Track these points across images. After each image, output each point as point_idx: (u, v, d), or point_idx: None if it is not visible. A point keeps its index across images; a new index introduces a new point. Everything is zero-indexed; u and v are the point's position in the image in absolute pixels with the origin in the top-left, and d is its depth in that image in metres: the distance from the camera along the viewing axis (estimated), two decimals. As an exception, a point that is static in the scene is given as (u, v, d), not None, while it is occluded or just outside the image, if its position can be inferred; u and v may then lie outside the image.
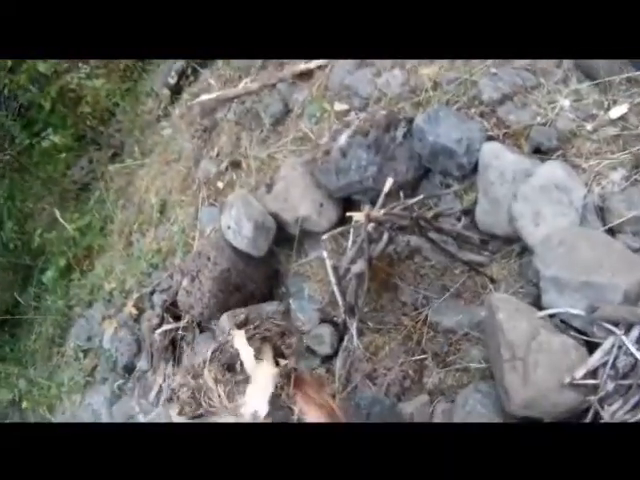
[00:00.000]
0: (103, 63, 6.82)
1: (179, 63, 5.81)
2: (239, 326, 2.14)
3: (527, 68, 3.04)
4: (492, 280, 2.75)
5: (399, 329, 2.95)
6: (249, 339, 2.08)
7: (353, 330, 2.87)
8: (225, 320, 3.15)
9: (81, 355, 4.98)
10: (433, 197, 3.00)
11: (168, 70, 5.92)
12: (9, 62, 5.17)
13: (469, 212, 2.91)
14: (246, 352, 2.06)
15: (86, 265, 5.44)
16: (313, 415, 1.96)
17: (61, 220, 5.56)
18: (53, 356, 5.37)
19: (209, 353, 2.10)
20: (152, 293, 4.38)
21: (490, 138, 2.91)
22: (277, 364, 2.11)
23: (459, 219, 2.90)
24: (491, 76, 3.07)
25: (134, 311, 4.44)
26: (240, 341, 2.09)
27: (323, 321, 3.28)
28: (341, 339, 3.17)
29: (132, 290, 4.61)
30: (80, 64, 6.16)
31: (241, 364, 2.05)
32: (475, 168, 2.88)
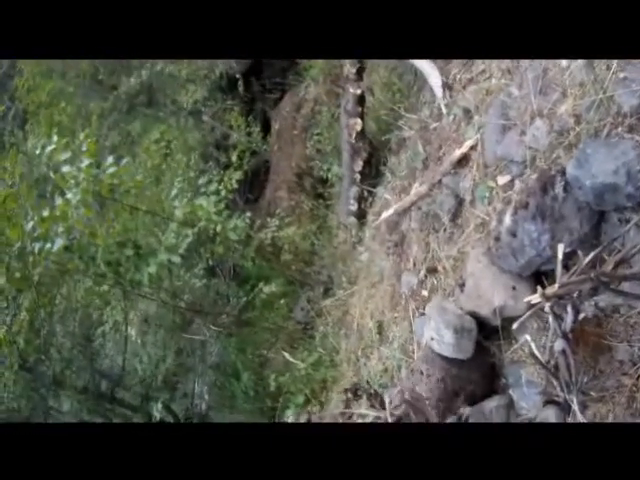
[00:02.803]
0: (291, 211, 7.79)
1: (354, 189, 6.40)
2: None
3: None
4: None
5: (621, 391, 2.91)
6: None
7: (575, 406, 2.86)
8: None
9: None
10: (615, 240, 2.97)
11: (346, 199, 6.59)
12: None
13: (658, 240, 2.84)
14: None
15: (324, 396, 5.92)
16: None
17: (293, 360, 6.16)
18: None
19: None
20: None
21: (649, 150, 2.86)
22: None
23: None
24: (622, 82, 3.05)
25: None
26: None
27: (547, 402, 3.26)
28: (564, 419, 3.13)
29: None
30: (268, 219, 7.08)
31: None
32: (646, 191, 2.85)
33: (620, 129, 3.01)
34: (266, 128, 8.84)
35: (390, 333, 5.04)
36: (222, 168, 8.17)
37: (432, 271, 4.67)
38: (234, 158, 8.09)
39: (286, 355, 6.26)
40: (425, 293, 4.68)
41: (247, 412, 6.86)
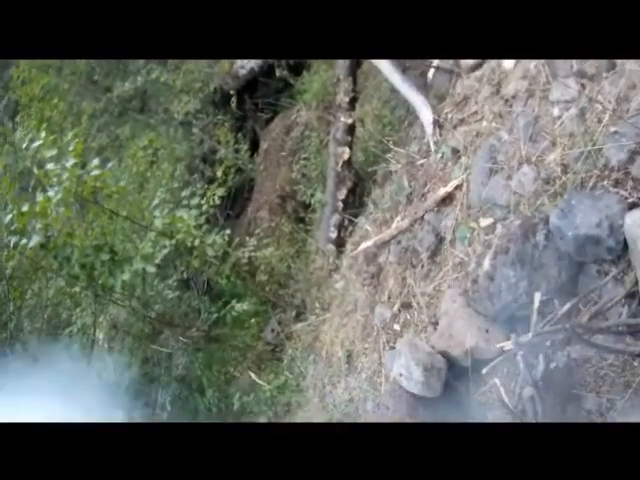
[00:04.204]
0: (271, 233, 7.76)
1: (336, 217, 6.40)
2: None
3: None
4: None
5: None
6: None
7: None
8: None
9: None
10: (592, 292, 2.97)
11: (327, 226, 6.59)
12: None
13: (634, 294, 2.84)
14: None
15: (287, 420, 5.84)
16: None
17: (258, 381, 6.09)
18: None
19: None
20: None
21: (633, 205, 2.88)
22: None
23: (624, 305, 2.82)
24: (612, 136, 3.07)
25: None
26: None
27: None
28: None
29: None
30: (247, 238, 7.02)
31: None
32: (626, 245, 2.84)
33: (606, 182, 3.03)
34: (254, 147, 8.83)
35: (359, 364, 5.00)
36: (207, 182, 8.13)
37: (406, 306, 4.65)
38: (219, 173, 8.06)
39: (252, 375, 6.19)
40: (397, 327, 4.66)
41: None
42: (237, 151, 8.53)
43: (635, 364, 2.75)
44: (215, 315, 6.76)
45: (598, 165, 3.10)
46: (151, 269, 5.05)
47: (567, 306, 2.69)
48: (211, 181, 8.12)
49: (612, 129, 3.09)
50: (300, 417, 5.65)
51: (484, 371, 3.08)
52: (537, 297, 2.83)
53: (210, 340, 6.61)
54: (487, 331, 3.40)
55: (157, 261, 5.08)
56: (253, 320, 7.04)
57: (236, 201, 8.63)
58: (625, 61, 3.22)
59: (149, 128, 8.53)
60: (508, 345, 2.68)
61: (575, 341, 2.74)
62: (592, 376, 2.87)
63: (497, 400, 3.13)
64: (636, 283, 2.81)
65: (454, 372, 3.64)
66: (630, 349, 2.71)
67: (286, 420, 5.83)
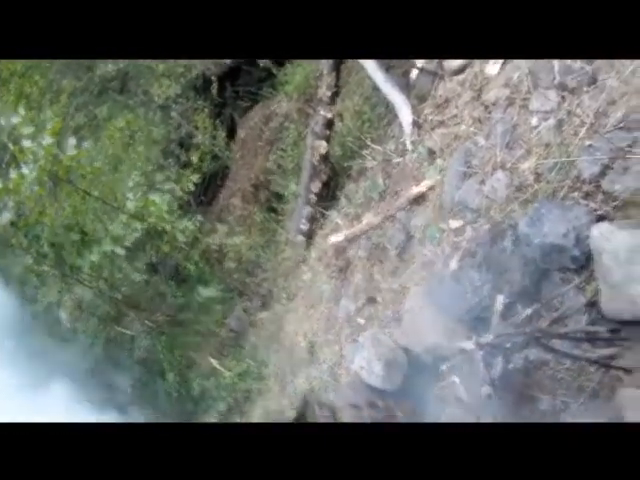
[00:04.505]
0: (242, 221, 7.73)
1: (308, 209, 6.41)
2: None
3: (619, 127, 3.07)
4: (627, 371, 2.73)
5: None
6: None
7: None
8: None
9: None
10: (554, 298, 3.05)
11: (299, 217, 6.58)
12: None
13: (594, 303, 2.94)
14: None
15: (247, 407, 5.85)
16: None
17: (219, 368, 6.10)
18: None
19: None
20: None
21: (600, 217, 2.98)
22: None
23: (585, 313, 2.92)
24: (586, 149, 3.15)
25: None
26: None
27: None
28: None
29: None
30: (218, 224, 7.00)
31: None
32: (590, 256, 2.94)
33: (577, 194, 3.12)
34: (232, 134, 8.76)
35: (321, 355, 5.07)
36: (181, 166, 8.07)
37: (371, 301, 4.73)
38: (195, 159, 8.00)
39: (213, 362, 6.19)
40: (361, 321, 4.73)
41: (167, 412, 6.74)
42: (214, 137, 8.45)
43: (591, 370, 2.85)
44: (181, 300, 6.76)
45: (570, 176, 3.18)
46: (120, 251, 5.02)
47: (529, 311, 2.77)
48: (185, 166, 8.06)
49: (587, 143, 3.17)
50: (260, 405, 5.70)
51: (443, 368, 3.15)
52: (499, 300, 2.91)
53: (174, 324, 6.60)
54: (449, 330, 3.48)
55: (127, 244, 5.05)
56: (218, 307, 7.05)
57: (209, 187, 8.54)
58: (606, 77, 3.30)
59: (127, 109, 8.41)
60: (469, 345, 2.75)
61: (534, 344, 2.82)
62: (548, 379, 2.97)
63: (455, 397, 3.21)
64: (597, 293, 2.91)
65: (414, 368, 3.73)
66: (587, 355, 2.81)
67: (245, 407, 5.87)
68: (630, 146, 2.98)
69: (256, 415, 5.62)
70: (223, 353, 6.67)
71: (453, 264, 3.51)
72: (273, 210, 7.71)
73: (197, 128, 8.53)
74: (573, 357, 2.81)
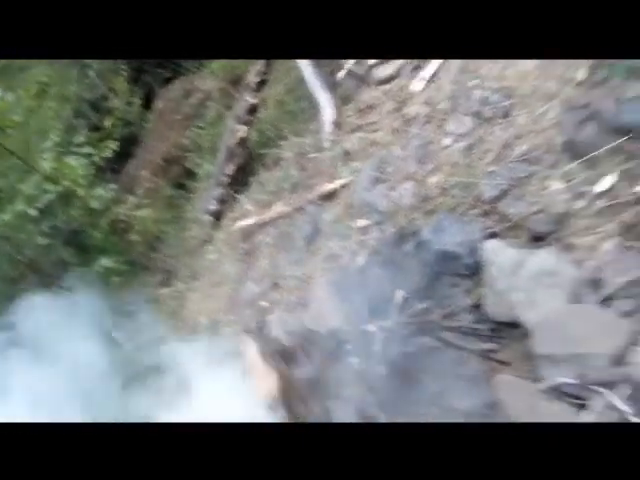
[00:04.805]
0: (149, 193, 7.65)
1: (219, 190, 6.49)
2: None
3: (522, 160, 3.47)
4: (502, 363, 3.13)
5: (425, 417, 3.25)
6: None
7: None
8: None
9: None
10: (445, 298, 3.44)
11: (209, 197, 6.67)
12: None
13: (479, 306, 3.34)
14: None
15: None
16: None
17: (117, 340, 6.05)
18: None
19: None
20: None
21: (493, 234, 3.38)
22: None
23: (470, 312, 3.33)
24: (490, 174, 3.53)
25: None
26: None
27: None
28: None
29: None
30: (128, 195, 6.93)
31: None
32: (480, 266, 3.35)
33: (476, 211, 3.48)
34: (148, 104, 8.64)
35: (223, 334, 5.18)
36: (90, 129, 7.87)
37: (276, 286, 4.91)
38: (107, 123, 7.84)
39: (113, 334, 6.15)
40: (265, 304, 4.91)
41: None
42: (129, 104, 8.31)
43: (472, 360, 3.23)
44: (81, 268, 6.66)
45: (472, 195, 3.54)
46: (33, 212, 4.92)
47: (424, 305, 3.11)
48: (95, 129, 7.88)
49: (491, 168, 3.54)
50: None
51: (344, 349, 3.44)
52: (399, 294, 3.23)
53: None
54: (351, 317, 3.76)
55: (40, 205, 4.95)
56: (117, 279, 6.99)
57: (122, 156, 8.41)
58: (519, 114, 3.67)
59: (43, 62, 8.07)
60: (372, 327, 3.06)
61: (426, 333, 3.18)
62: (435, 365, 3.31)
63: (353, 377, 3.52)
64: (482, 297, 3.32)
65: (317, 349, 3.95)
66: (469, 347, 3.21)
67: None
68: (528, 178, 3.38)
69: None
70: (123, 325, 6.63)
71: (361, 258, 3.81)
72: (182, 187, 7.72)
73: (113, 91, 8.34)
74: (458, 347, 3.20)
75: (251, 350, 4.00)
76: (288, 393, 3.33)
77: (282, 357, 3.97)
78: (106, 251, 6.80)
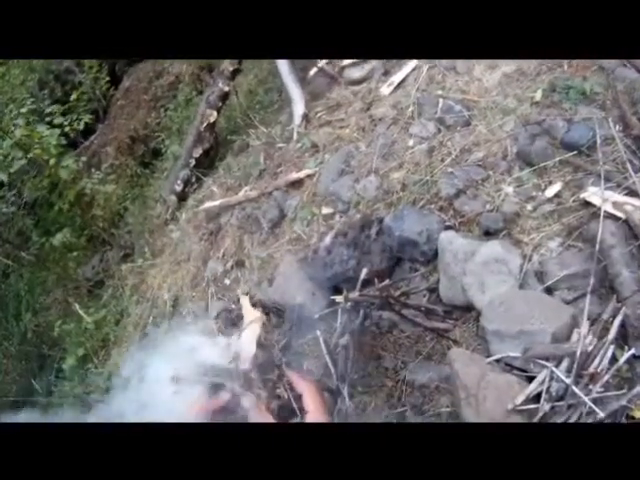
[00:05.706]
0: (113, 169, 7.75)
1: (185, 172, 6.70)
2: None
3: (478, 164, 3.91)
4: (455, 342, 3.49)
5: (383, 389, 3.67)
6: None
7: (345, 393, 3.51)
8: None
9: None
10: (403, 280, 3.85)
11: (174, 178, 6.88)
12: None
13: (434, 289, 3.73)
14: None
15: (102, 355, 6.11)
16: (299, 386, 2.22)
17: (80, 312, 6.29)
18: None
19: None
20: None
21: (448, 227, 3.77)
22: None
23: (425, 295, 3.73)
24: (448, 175, 3.94)
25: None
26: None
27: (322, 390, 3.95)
28: (335, 402, 3.85)
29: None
30: (94, 170, 7.02)
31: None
32: (436, 253, 3.73)
33: (433, 206, 3.89)
34: (115, 81, 8.72)
35: (185, 309, 5.43)
36: (53, 102, 7.93)
37: (239, 265, 5.14)
38: (73, 97, 7.90)
39: (75, 306, 6.26)
40: (227, 282, 5.16)
41: (20, 355, 6.68)
42: (96, 80, 8.40)
43: (427, 339, 3.61)
44: (41, 240, 6.73)
45: (431, 192, 3.95)
46: (3, 177, 5.02)
47: (384, 283, 3.40)
48: (57, 101, 7.93)
49: (450, 170, 3.95)
50: (115, 352, 5.93)
51: (316, 316, 3.76)
52: (364, 271, 3.51)
53: (36, 265, 6.53)
54: (314, 294, 4.12)
55: (11, 171, 5.06)
56: (74, 253, 7.08)
57: (85, 132, 8.50)
58: (478, 123, 4.09)
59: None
60: (339, 298, 3.35)
61: (387, 308, 3.51)
62: (392, 344, 3.68)
63: (313, 351, 3.86)
64: (437, 282, 3.72)
65: (281, 324, 4.28)
66: (425, 324, 3.57)
67: (102, 355, 6.04)
68: (483, 180, 3.82)
69: (111, 363, 5.92)
70: (84, 300, 6.74)
71: (327, 239, 4.14)
72: (147, 166, 7.87)
73: (80, 66, 8.38)
74: (416, 323, 3.55)
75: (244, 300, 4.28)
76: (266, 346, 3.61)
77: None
78: (66, 224, 6.87)
